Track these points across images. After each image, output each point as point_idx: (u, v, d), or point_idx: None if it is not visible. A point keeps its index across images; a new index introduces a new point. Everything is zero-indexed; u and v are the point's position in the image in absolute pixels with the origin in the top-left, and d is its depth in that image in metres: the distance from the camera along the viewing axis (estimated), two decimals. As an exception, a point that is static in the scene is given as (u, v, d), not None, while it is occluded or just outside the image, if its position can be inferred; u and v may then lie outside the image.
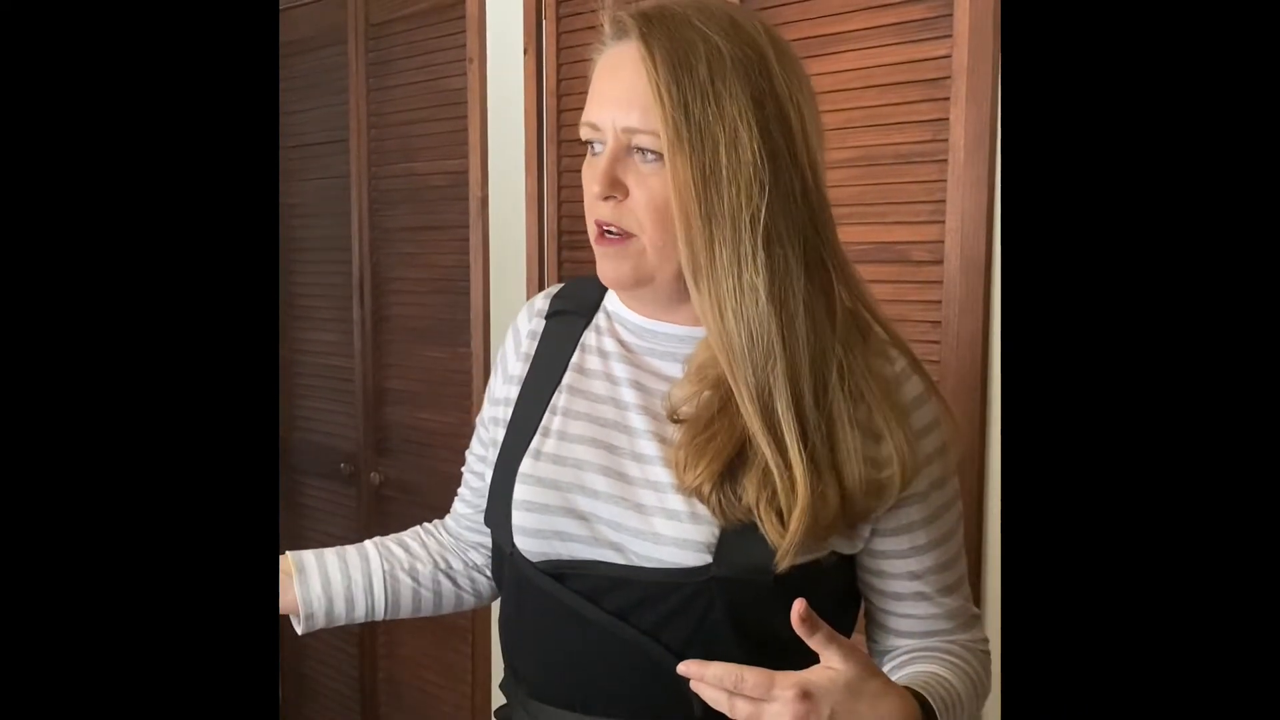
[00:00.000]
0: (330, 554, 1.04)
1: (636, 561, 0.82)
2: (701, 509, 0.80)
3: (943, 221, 1.43)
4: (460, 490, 1.09)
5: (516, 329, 0.99)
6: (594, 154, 0.85)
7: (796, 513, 0.77)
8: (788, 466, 0.78)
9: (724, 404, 0.81)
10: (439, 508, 1.17)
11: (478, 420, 1.04)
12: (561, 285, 1.00)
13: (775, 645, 0.78)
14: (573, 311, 0.95)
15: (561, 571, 0.86)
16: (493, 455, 0.94)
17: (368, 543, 1.07)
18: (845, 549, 0.85)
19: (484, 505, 0.98)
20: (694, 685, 0.74)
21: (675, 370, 0.88)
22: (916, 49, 1.45)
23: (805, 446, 0.78)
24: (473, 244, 2.15)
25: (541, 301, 0.99)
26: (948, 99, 1.42)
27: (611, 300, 0.94)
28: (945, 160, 1.43)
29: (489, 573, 1.06)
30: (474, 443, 1.05)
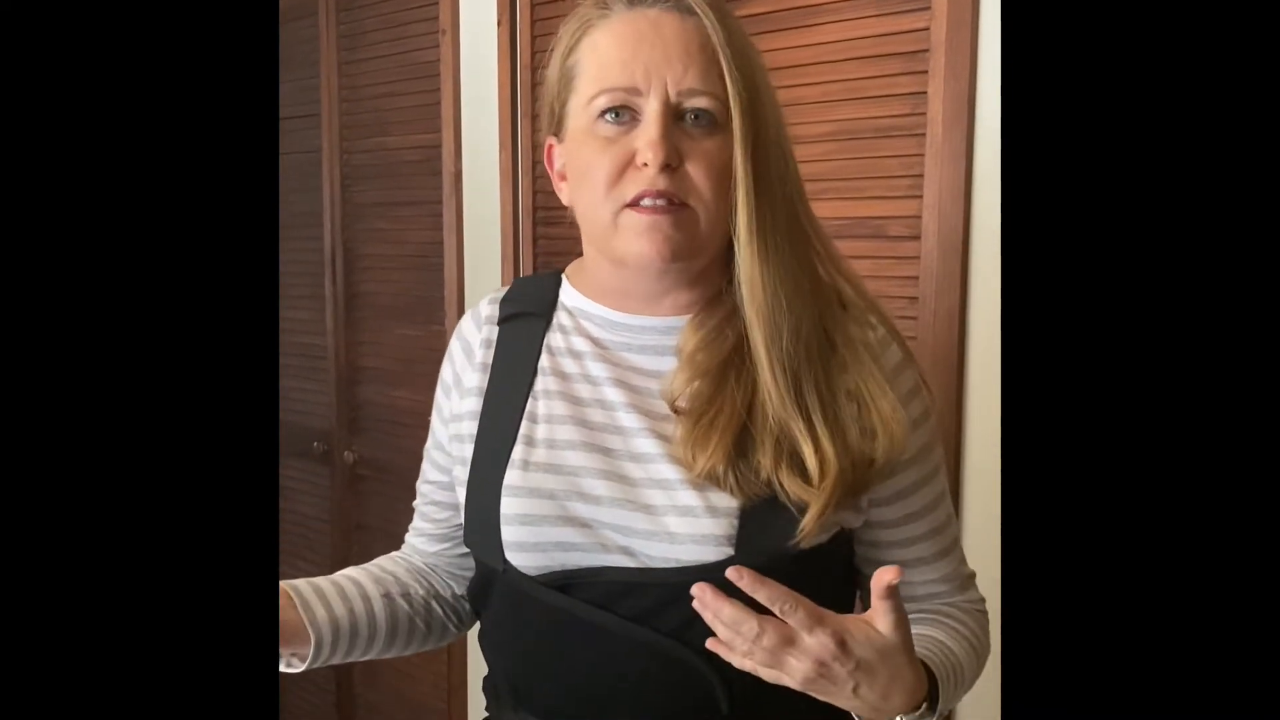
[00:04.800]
0: (317, 580, 0.94)
1: (649, 564, 0.79)
2: (717, 500, 0.78)
3: (920, 196, 1.43)
4: (417, 525, 1.02)
5: (465, 340, 0.94)
6: (615, 123, 0.79)
7: (832, 478, 0.76)
8: (812, 433, 0.77)
9: (717, 388, 0.80)
10: (413, 486, 1.15)
11: (427, 450, 0.98)
12: (505, 289, 0.95)
13: None
14: (528, 313, 0.90)
15: (567, 583, 0.82)
16: (462, 473, 0.89)
17: (348, 570, 0.98)
18: (850, 523, 0.84)
19: (453, 533, 0.97)
20: (698, 606, 0.70)
21: (657, 363, 0.85)
22: (895, 21, 1.44)
23: (825, 413, 0.78)
24: (446, 220, 2.13)
25: (488, 308, 0.93)
26: (926, 72, 1.41)
27: (572, 297, 0.90)
28: (923, 134, 1.42)
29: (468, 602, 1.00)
30: (428, 471, 0.99)
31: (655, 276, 0.83)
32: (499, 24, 1.97)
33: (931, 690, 0.77)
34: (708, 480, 0.78)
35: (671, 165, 0.77)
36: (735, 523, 0.78)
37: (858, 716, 0.77)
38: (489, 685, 0.94)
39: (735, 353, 0.81)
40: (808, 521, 0.77)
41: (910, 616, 0.84)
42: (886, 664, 0.72)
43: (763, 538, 0.78)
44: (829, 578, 0.83)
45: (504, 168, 2.00)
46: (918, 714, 0.76)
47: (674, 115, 0.78)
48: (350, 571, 0.97)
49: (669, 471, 0.80)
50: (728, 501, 0.78)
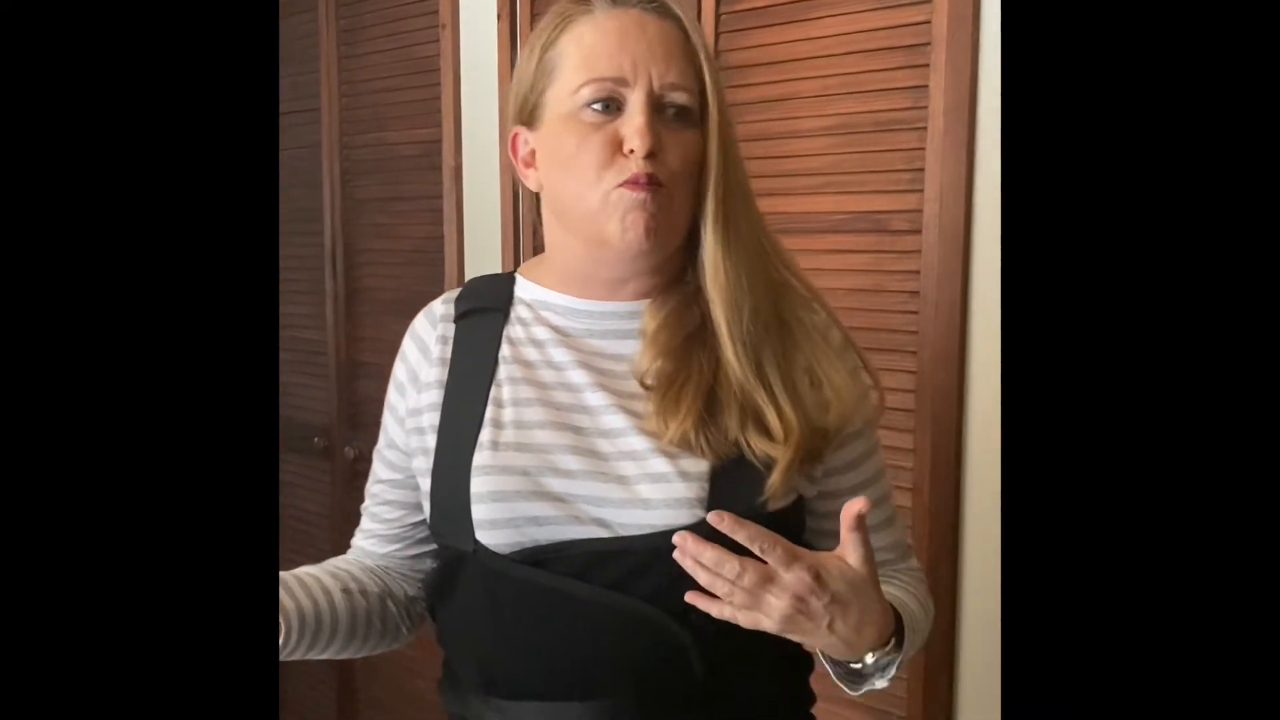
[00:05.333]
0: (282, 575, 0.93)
1: (623, 532, 0.82)
2: (688, 466, 0.82)
3: (921, 190, 1.42)
4: (367, 527, 1.02)
5: (419, 338, 0.95)
6: (603, 112, 0.84)
7: (796, 436, 0.82)
8: (774, 399, 0.83)
9: (682, 362, 0.85)
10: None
11: (378, 450, 0.99)
12: (458, 289, 0.98)
13: None
14: (484, 309, 0.93)
15: (539, 558, 0.83)
16: (424, 463, 0.91)
17: (303, 567, 0.98)
18: (806, 491, 0.90)
19: (404, 534, 0.98)
20: (678, 555, 0.75)
21: (619, 347, 0.89)
22: (895, 15, 1.44)
23: (784, 383, 0.84)
24: (446, 215, 2.13)
25: (442, 307, 0.96)
26: (927, 66, 1.41)
27: (529, 290, 0.93)
28: (924, 128, 1.42)
29: (419, 607, 1.01)
30: (379, 471, 0.99)
31: (632, 258, 0.87)
32: (499, 18, 1.96)
33: (898, 628, 0.82)
34: (680, 445, 0.83)
35: (655, 153, 0.83)
36: (706, 486, 0.82)
37: (827, 658, 0.82)
38: (448, 679, 0.94)
39: (698, 330, 0.86)
40: (775, 476, 0.82)
41: None
42: (858, 597, 0.76)
43: (732, 499, 0.81)
44: (791, 539, 0.84)
45: (504, 163, 1.99)
46: (886, 650, 0.80)
47: (655, 106, 0.84)
48: (306, 568, 0.97)
49: (638, 443, 0.84)
50: (698, 466, 0.82)
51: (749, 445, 0.82)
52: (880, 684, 0.83)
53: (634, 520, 0.82)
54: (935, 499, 1.46)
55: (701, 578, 0.74)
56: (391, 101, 2.25)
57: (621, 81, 0.83)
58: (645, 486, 0.82)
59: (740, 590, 0.73)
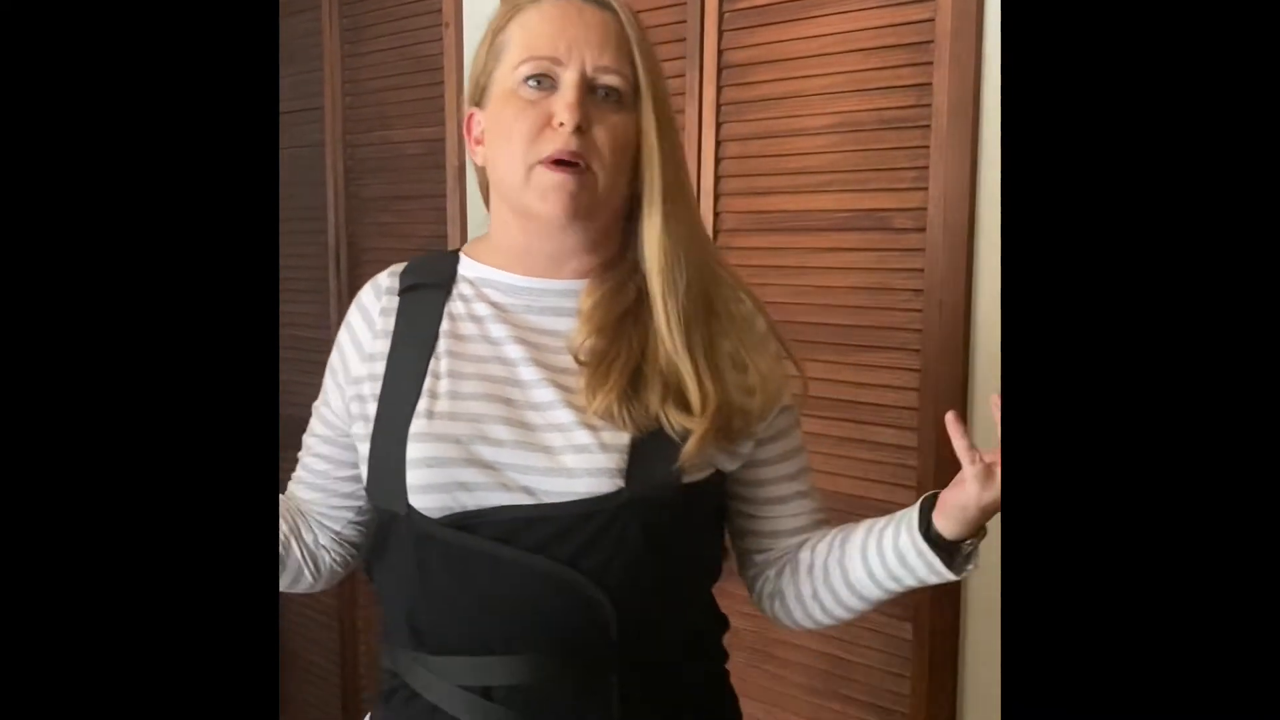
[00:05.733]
0: None
1: (548, 499, 0.87)
2: (609, 438, 0.88)
3: (925, 188, 1.42)
4: (297, 474, 1.08)
5: (365, 309, 1.01)
6: (537, 89, 0.90)
7: (712, 409, 0.88)
8: (697, 373, 0.89)
9: (614, 338, 0.91)
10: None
11: (316, 406, 1.05)
12: (404, 264, 1.03)
13: (684, 560, 0.92)
14: (428, 284, 0.99)
15: (468, 522, 0.88)
16: (363, 429, 0.95)
17: None
18: (725, 465, 0.95)
19: (327, 485, 1.04)
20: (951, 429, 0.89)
21: (556, 323, 0.94)
22: (899, 12, 1.44)
23: (708, 359, 0.90)
24: (450, 213, 2.13)
25: (388, 280, 1.01)
26: (931, 63, 1.41)
27: (473, 268, 0.99)
28: (928, 126, 1.42)
29: (341, 553, 1.06)
30: (314, 426, 1.06)
31: (558, 232, 0.92)
32: (502, 17, 1.96)
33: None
34: (603, 417, 0.88)
35: (583, 128, 0.88)
36: (625, 457, 0.88)
37: (950, 545, 0.92)
38: (385, 635, 0.99)
39: (632, 307, 0.92)
40: (689, 446, 0.88)
41: (802, 545, 1.02)
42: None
43: (650, 470, 0.88)
44: (706, 511, 0.96)
45: (507, 161, 1.99)
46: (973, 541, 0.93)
47: (588, 87, 0.89)
48: None
49: (565, 416, 0.89)
50: (618, 438, 0.88)
51: (668, 419, 0.88)
52: (970, 568, 0.94)
53: (557, 488, 0.87)
54: (939, 497, 1.46)
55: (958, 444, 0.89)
56: (395, 100, 2.25)
57: (556, 61, 0.89)
58: (569, 456, 0.87)
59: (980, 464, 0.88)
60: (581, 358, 0.91)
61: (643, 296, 0.92)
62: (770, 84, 1.60)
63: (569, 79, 0.89)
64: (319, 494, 1.06)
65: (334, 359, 1.02)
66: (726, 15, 1.64)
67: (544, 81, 0.90)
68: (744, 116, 1.64)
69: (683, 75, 1.71)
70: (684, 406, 0.88)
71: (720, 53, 1.66)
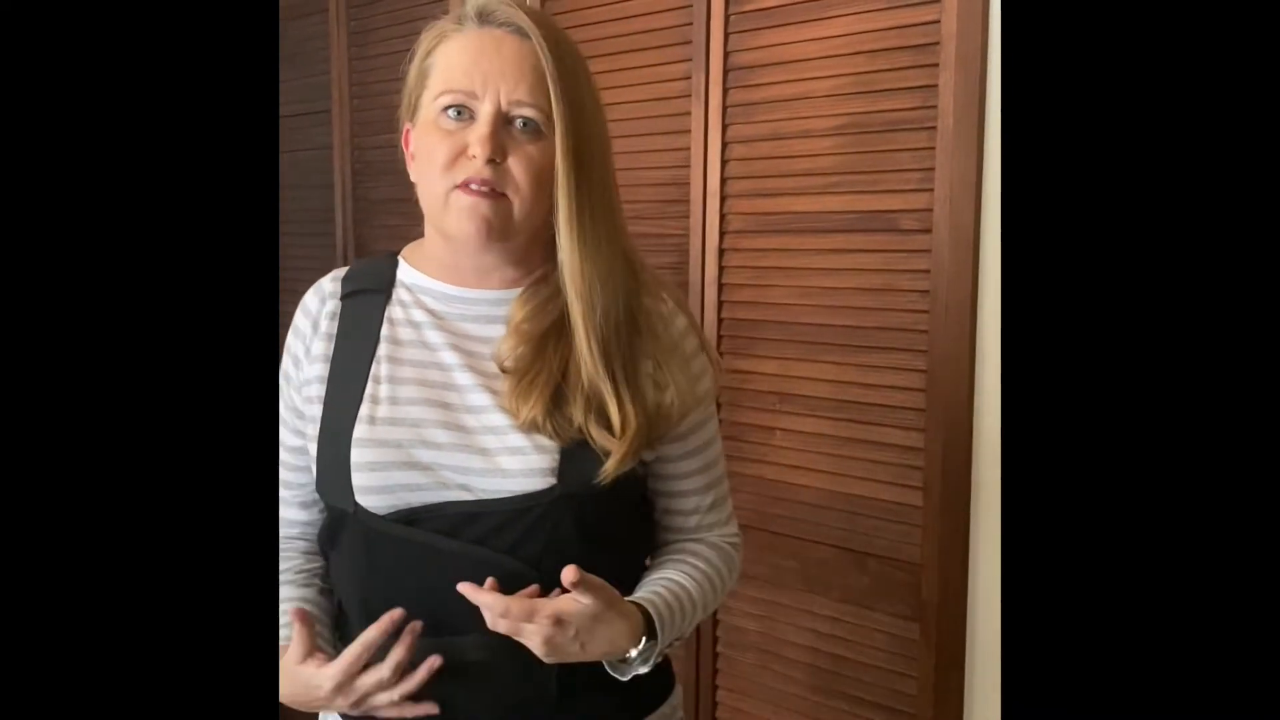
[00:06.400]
0: (313, 610, 1.01)
1: (486, 496, 0.93)
2: (541, 441, 0.93)
3: (931, 190, 1.42)
4: (283, 495, 1.08)
5: (309, 311, 1.04)
6: (456, 119, 0.93)
7: (631, 431, 0.93)
8: (617, 394, 0.93)
9: (538, 352, 0.95)
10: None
11: (282, 419, 1.05)
12: (345, 268, 1.07)
13: (613, 544, 0.97)
14: (369, 289, 1.03)
15: (413, 518, 0.94)
16: (312, 430, 0.99)
17: (305, 595, 1.04)
18: (648, 456, 1.00)
19: (318, 500, 1.03)
20: (470, 595, 0.87)
21: (488, 330, 0.98)
22: (905, 15, 1.44)
23: (628, 379, 0.95)
24: (457, 215, 2.13)
25: (330, 284, 1.05)
26: (936, 65, 1.41)
27: (410, 275, 1.03)
28: (934, 127, 1.42)
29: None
30: (286, 439, 1.06)
31: (477, 251, 0.97)
32: (509, 19, 1.97)
33: (649, 627, 0.93)
34: (529, 429, 0.93)
35: (495, 160, 0.92)
36: (557, 458, 0.93)
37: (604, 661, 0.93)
38: (341, 621, 1.03)
39: (557, 324, 0.96)
40: (609, 465, 0.93)
41: (669, 553, 1.04)
42: (600, 622, 0.88)
43: (580, 468, 0.93)
44: (633, 499, 1.01)
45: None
46: (642, 646, 0.92)
47: (503, 119, 0.93)
48: (298, 592, 1.04)
49: (499, 420, 0.94)
50: (550, 442, 0.93)
51: (590, 435, 0.93)
52: (644, 669, 0.93)
53: (494, 486, 0.93)
54: (945, 498, 1.46)
55: (486, 615, 0.87)
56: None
57: (472, 95, 0.93)
58: (505, 458, 0.93)
59: (501, 625, 0.86)
60: (507, 365, 0.95)
61: (564, 316, 0.95)
62: (776, 86, 1.60)
63: (484, 112, 0.92)
64: (311, 511, 1.07)
65: (286, 364, 1.05)
66: (733, 17, 1.64)
67: (463, 112, 0.93)
68: (750, 118, 1.64)
69: (689, 77, 1.72)
70: (606, 425, 0.93)
71: (726, 55, 1.66)
